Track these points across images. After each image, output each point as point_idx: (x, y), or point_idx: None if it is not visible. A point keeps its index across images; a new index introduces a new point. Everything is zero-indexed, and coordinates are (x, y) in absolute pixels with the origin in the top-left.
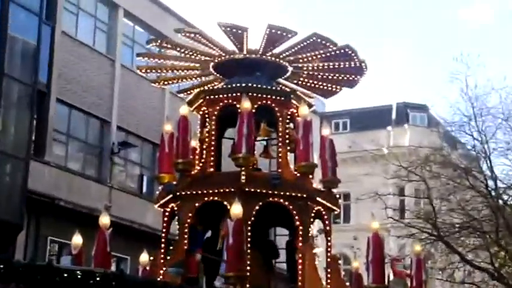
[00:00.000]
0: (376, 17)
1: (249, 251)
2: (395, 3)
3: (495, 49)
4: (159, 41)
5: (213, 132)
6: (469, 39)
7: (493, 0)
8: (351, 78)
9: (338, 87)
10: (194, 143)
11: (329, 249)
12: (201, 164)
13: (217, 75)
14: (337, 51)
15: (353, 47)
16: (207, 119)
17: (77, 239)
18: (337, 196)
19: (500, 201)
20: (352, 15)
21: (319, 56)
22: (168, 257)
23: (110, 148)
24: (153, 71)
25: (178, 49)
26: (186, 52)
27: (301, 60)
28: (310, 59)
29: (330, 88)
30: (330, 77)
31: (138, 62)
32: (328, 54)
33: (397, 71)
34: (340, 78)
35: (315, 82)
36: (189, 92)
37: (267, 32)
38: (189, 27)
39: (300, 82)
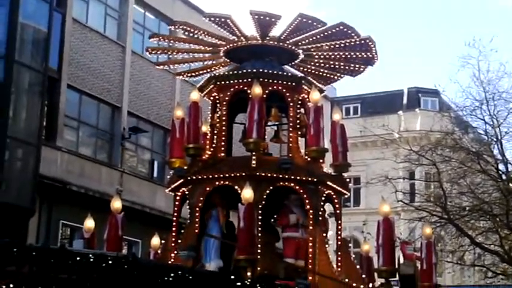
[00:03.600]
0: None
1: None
2: None
3: None
4: (176, 24)
5: (223, 118)
6: (486, 22)
7: None
8: (357, 68)
9: (343, 75)
10: (205, 129)
11: (339, 232)
12: (211, 149)
13: (228, 60)
14: (357, 42)
15: (373, 40)
16: (218, 105)
17: (89, 223)
18: (348, 180)
19: (511, 185)
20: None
21: (337, 46)
22: (179, 241)
23: (120, 133)
24: (163, 53)
25: (191, 32)
26: (199, 35)
27: (314, 48)
28: (327, 48)
29: (335, 76)
30: (337, 66)
31: (149, 45)
32: (347, 44)
33: (408, 55)
34: (347, 67)
35: (322, 70)
36: (196, 73)
37: (296, 21)
38: (215, 13)
39: (308, 69)
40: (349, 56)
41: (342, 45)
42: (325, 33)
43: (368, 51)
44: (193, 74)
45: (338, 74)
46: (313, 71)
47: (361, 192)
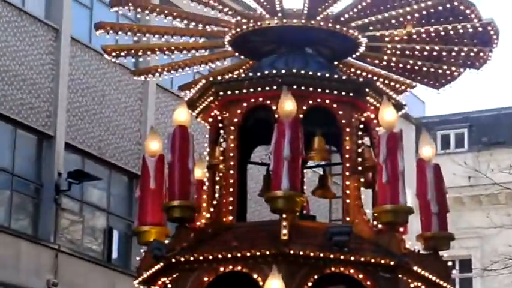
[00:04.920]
0: None
1: None
2: None
3: None
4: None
5: (231, 154)
6: None
7: None
8: (473, 53)
9: (454, 70)
10: (200, 173)
11: None
12: (212, 209)
13: (238, 55)
14: (445, 6)
15: (471, 1)
16: (222, 132)
17: None
18: (450, 264)
19: None
20: None
21: (417, 16)
22: None
23: (53, 182)
24: (129, 53)
25: (169, 14)
26: (183, 17)
27: (381, 24)
28: (400, 22)
29: (443, 71)
30: (434, 54)
31: (103, 37)
32: (431, 11)
33: None
34: (454, 53)
35: (410, 64)
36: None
37: None
38: None
39: (380, 64)
40: (442, 34)
41: (419, 15)
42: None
43: (480, 27)
44: (191, 86)
45: (447, 68)
46: (394, 67)
47: (475, 286)
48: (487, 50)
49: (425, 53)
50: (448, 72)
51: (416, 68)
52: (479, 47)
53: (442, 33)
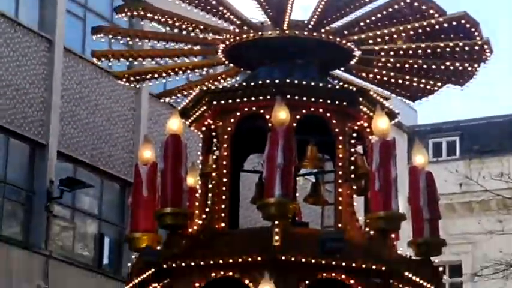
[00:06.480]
0: None
1: None
2: None
3: None
4: (131, 9)
5: (224, 162)
6: None
7: None
8: (461, 68)
9: (439, 83)
10: (193, 181)
11: None
12: (204, 216)
13: (231, 64)
14: (444, 24)
15: (473, 18)
16: (215, 140)
17: None
18: (441, 269)
19: None
20: None
21: (412, 32)
22: None
23: (45, 190)
24: (120, 59)
25: (165, 20)
26: (179, 25)
27: (377, 39)
28: (395, 35)
29: (425, 85)
30: (424, 67)
31: (94, 45)
32: (427, 27)
33: None
34: (443, 68)
35: (398, 76)
36: (181, 95)
37: None
38: None
39: (372, 76)
40: (439, 50)
41: (423, 30)
42: (382, 14)
43: (467, 39)
44: (176, 92)
45: (433, 82)
46: (378, 79)
47: None
48: (475, 68)
49: (418, 67)
50: (428, 87)
51: (393, 80)
52: (469, 64)
53: (438, 49)
